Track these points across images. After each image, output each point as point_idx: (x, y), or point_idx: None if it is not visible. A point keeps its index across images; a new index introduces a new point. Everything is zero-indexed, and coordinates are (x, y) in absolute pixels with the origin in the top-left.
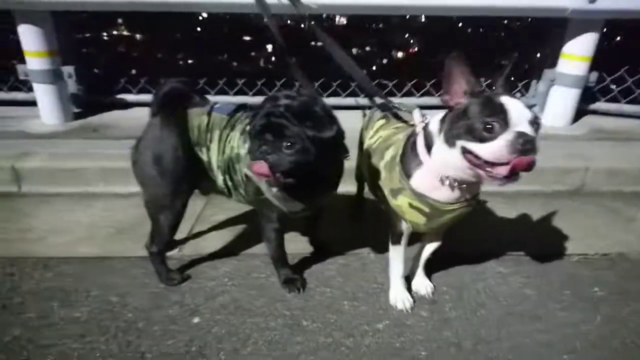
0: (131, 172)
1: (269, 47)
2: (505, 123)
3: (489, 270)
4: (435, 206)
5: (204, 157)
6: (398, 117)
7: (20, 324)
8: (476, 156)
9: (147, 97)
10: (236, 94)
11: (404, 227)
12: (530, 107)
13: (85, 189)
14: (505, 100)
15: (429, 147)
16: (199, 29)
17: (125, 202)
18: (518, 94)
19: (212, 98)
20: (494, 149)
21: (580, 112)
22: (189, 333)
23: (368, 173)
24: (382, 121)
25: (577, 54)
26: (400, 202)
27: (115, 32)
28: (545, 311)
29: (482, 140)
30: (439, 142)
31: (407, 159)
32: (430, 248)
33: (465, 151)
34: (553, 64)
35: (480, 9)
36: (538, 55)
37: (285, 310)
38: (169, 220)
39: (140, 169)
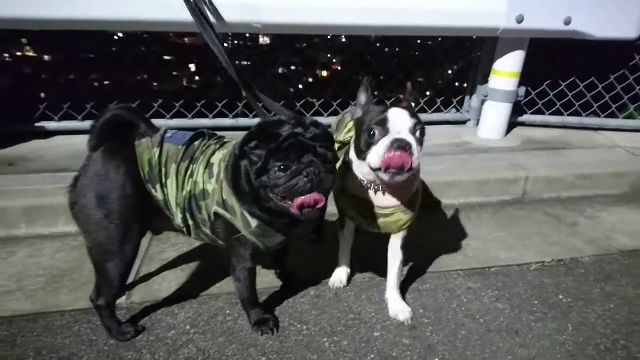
0: (58, 209)
1: (192, 67)
2: (385, 130)
3: (459, 287)
4: (369, 207)
5: (159, 195)
6: None
7: None
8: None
9: (72, 125)
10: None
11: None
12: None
13: (5, 233)
14: (390, 110)
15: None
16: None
17: (53, 244)
18: (453, 110)
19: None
20: (373, 153)
21: (510, 125)
22: None
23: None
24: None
25: (507, 71)
26: (342, 200)
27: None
28: (520, 325)
29: (369, 146)
30: (351, 148)
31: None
32: (393, 246)
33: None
34: (485, 80)
35: (417, 29)
36: (471, 72)
37: (260, 356)
38: (119, 267)
39: (81, 212)
